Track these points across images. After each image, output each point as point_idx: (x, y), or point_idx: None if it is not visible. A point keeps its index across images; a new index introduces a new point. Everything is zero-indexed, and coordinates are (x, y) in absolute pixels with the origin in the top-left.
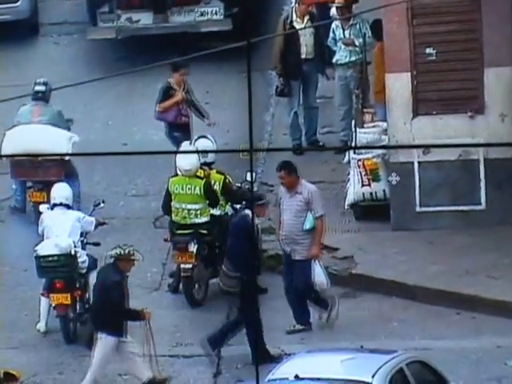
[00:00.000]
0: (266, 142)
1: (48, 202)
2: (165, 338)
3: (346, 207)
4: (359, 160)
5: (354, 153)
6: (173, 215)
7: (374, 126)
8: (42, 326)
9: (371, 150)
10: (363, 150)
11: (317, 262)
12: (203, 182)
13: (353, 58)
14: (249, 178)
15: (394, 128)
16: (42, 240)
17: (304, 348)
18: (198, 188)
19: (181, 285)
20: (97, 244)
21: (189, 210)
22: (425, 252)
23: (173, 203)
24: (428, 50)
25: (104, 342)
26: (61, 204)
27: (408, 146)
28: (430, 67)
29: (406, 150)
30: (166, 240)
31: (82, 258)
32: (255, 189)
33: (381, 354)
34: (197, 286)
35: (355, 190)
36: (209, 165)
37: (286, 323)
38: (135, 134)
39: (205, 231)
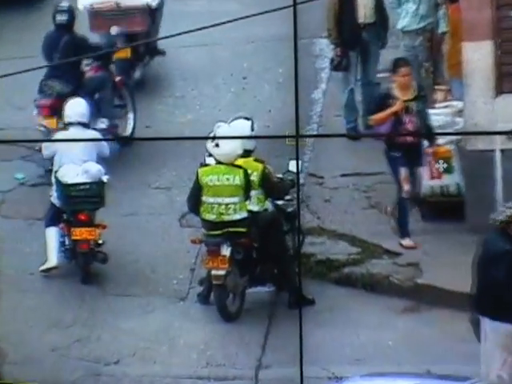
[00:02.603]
0: (314, 124)
1: (135, 59)
2: (193, 356)
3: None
4: (428, 147)
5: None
6: (204, 213)
7: (446, 106)
8: (52, 260)
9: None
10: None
11: None
12: (242, 170)
13: (423, 24)
14: (292, 168)
15: (472, 108)
16: (51, 165)
17: (358, 371)
18: (237, 178)
19: (212, 294)
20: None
21: (227, 204)
22: None
23: (205, 198)
24: None
25: (494, 329)
26: (78, 123)
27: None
28: None
29: (487, 136)
30: (193, 241)
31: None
32: (301, 181)
33: (452, 381)
34: (231, 295)
35: (422, 182)
36: (248, 152)
37: (336, 342)
38: (159, 114)
39: (242, 229)
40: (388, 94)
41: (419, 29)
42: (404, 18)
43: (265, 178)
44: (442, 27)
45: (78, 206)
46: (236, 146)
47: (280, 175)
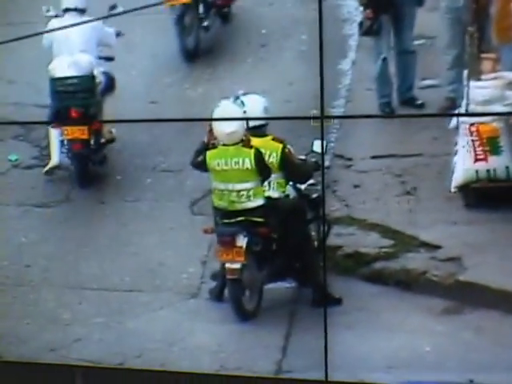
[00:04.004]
0: (342, 99)
1: None
2: (205, 359)
3: (452, 190)
4: (472, 124)
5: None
6: (215, 200)
7: (495, 78)
8: (54, 159)
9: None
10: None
11: None
12: (253, 150)
13: None
14: (316, 148)
15: None
16: (51, 55)
17: (390, 379)
18: (248, 160)
19: (226, 290)
20: (110, 59)
21: (238, 191)
22: None
23: (214, 184)
24: None
25: None
26: (75, 9)
27: None
28: None
29: None
30: (206, 231)
31: (99, 78)
32: (327, 163)
33: None
34: (247, 292)
35: (466, 166)
36: (258, 129)
37: (366, 346)
38: (168, 88)
39: (259, 219)
40: None
41: None
42: None
43: (285, 159)
44: None
45: (66, 101)
46: (237, 124)
47: (303, 156)
